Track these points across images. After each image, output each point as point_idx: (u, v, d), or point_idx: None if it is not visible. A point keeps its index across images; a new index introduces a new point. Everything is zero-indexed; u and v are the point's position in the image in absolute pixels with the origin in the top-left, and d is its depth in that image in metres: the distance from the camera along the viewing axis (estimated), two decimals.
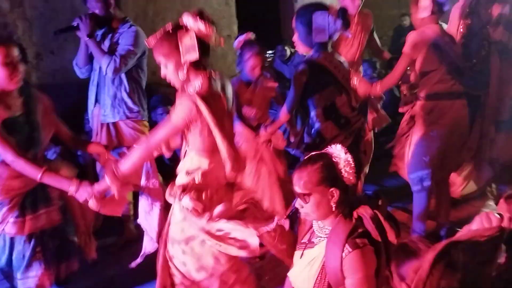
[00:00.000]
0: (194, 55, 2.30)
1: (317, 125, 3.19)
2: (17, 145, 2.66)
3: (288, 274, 2.30)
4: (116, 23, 3.76)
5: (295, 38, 3.18)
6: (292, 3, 6.90)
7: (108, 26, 3.77)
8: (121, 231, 4.12)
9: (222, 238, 2.43)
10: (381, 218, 2.02)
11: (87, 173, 4.63)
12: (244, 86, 3.72)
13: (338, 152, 2.08)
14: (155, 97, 4.87)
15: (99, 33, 3.78)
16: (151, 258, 3.61)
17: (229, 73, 4.06)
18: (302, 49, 3.23)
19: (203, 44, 2.34)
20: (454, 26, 3.79)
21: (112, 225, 4.27)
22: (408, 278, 1.88)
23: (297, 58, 6.48)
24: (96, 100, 3.85)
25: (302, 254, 2.21)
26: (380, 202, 2.10)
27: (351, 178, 2.06)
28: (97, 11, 3.65)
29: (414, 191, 3.65)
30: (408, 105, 3.73)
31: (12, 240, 2.80)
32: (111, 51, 3.66)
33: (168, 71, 2.41)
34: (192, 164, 2.48)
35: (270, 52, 7.01)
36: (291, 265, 2.30)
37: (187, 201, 2.42)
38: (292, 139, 3.69)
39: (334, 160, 2.07)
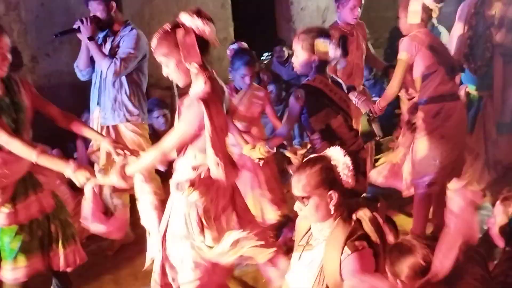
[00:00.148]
0: (196, 56, 2.32)
1: (316, 146, 3.16)
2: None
3: (286, 276, 2.30)
4: (117, 26, 3.76)
5: (294, 59, 3.17)
6: (288, 5, 6.91)
7: (109, 29, 3.76)
8: None
9: None
10: (380, 221, 2.02)
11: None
12: (234, 93, 3.75)
13: (336, 155, 2.08)
14: (151, 100, 4.86)
15: (100, 36, 3.78)
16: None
17: (225, 76, 4.07)
18: (300, 71, 3.22)
19: (202, 42, 2.35)
20: (459, 27, 3.78)
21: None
22: (403, 274, 1.89)
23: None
24: (98, 103, 3.85)
25: (300, 256, 2.21)
26: (379, 205, 2.10)
27: (349, 181, 2.06)
28: (98, 14, 3.65)
29: (417, 194, 3.63)
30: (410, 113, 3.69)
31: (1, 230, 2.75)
32: (112, 54, 3.66)
33: (170, 70, 2.43)
34: (196, 160, 2.48)
35: (266, 54, 7.01)
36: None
37: (195, 196, 2.43)
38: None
39: (333, 163, 2.07)
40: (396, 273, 1.91)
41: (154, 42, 2.40)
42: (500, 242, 2.22)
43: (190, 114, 2.37)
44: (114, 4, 3.70)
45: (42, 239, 2.83)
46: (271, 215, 3.73)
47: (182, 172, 2.51)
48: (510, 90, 3.64)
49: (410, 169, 3.67)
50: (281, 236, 3.67)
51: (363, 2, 4.04)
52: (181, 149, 2.51)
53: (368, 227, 2.01)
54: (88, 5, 3.70)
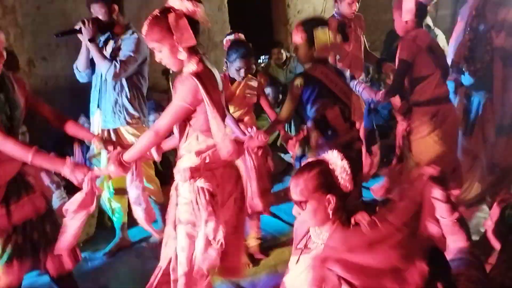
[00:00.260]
0: (191, 39, 2.34)
1: (311, 134, 3.21)
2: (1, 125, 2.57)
3: (284, 279, 2.29)
4: (119, 29, 3.76)
5: (295, 51, 3.21)
6: (285, 8, 6.92)
7: (110, 31, 3.76)
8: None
9: None
10: (379, 225, 2.01)
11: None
12: (229, 82, 3.73)
13: (334, 159, 2.07)
14: (148, 103, 4.84)
15: (102, 38, 3.78)
16: (144, 266, 3.63)
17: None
18: (302, 60, 3.26)
19: (192, 23, 2.36)
20: (461, 28, 3.79)
21: (106, 232, 4.26)
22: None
23: (292, 63, 6.50)
24: (98, 106, 3.84)
25: (298, 259, 2.20)
26: (377, 209, 2.10)
27: (347, 185, 2.05)
28: (100, 17, 3.65)
29: None
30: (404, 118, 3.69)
31: None
32: (113, 57, 3.66)
33: (163, 55, 2.43)
34: (199, 144, 2.49)
35: (263, 56, 7.01)
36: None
37: (201, 182, 2.45)
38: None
39: (331, 167, 2.06)
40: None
41: (144, 28, 2.39)
42: (496, 244, 2.23)
43: (183, 88, 2.38)
44: (116, 7, 3.70)
45: (39, 240, 2.77)
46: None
47: (187, 159, 2.52)
48: (509, 93, 3.64)
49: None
50: None
51: None
52: (182, 131, 2.52)
53: (367, 231, 2.01)
54: (90, 8, 3.70)
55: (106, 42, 3.78)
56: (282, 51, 6.52)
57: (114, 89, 3.74)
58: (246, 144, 3.23)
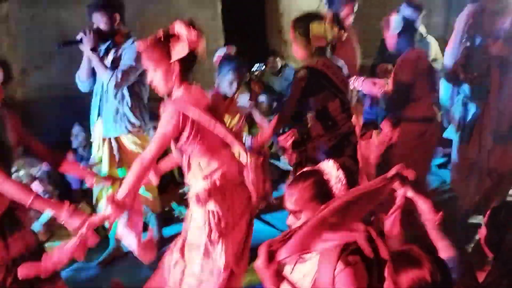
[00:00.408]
0: (187, 68, 2.40)
1: (309, 124, 3.26)
2: None
3: None
4: (120, 38, 3.75)
5: (294, 47, 3.24)
6: (278, 17, 6.94)
7: (111, 40, 3.76)
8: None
9: None
10: (374, 235, 2.01)
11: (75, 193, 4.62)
12: (221, 98, 3.73)
13: (329, 169, 2.08)
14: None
15: (103, 47, 3.77)
16: (138, 276, 3.61)
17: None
18: (301, 57, 3.28)
19: (192, 54, 2.40)
20: (457, 36, 3.82)
21: (99, 242, 4.22)
22: (404, 285, 1.84)
23: (287, 71, 6.52)
24: (99, 114, 3.83)
25: (292, 269, 2.19)
26: (372, 218, 2.10)
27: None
28: (102, 26, 3.65)
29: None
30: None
31: None
32: (114, 66, 3.66)
33: (156, 77, 2.46)
34: (203, 170, 2.52)
35: (257, 65, 7.02)
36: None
37: (212, 205, 2.49)
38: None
39: (325, 177, 2.07)
40: (398, 282, 1.87)
41: (145, 45, 2.43)
42: (489, 252, 2.23)
43: (165, 115, 2.42)
44: (117, 16, 3.70)
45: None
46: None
47: (196, 185, 2.55)
48: (506, 101, 3.67)
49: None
50: None
51: (355, 9, 4.11)
52: (186, 165, 2.55)
53: (361, 242, 2.01)
54: (91, 17, 3.69)
55: (107, 51, 3.78)
56: (278, 59, 6.54)
57: (115, 97, 3.73)
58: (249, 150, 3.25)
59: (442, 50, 5.90)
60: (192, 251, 2.59)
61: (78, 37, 3.59)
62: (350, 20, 4.09)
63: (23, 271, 2.40)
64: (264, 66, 6.78)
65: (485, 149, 3.78)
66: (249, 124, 4.19)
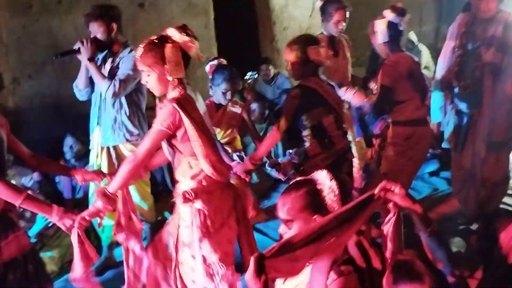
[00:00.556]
0: (181, 72, 2.43)
1: (306, 144, 3.29)
2: None
3: None
4: (117, 47, 3.75)
5: (288, 68, 3.30)
6: (271, 25, 6.96)
7: (109, 49, 3.76)
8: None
9: None
10: (366, 245, 2.01)
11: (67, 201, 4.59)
12: (214, 108, 3.79)
13: (322, 179, 2.08)
14: None
15: (100, 56, 3.77)
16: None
17: (209, 95, 4.10)
18: (296, 78, 3.35)
19: (185, 57, 2.45)
20: (450, 45, 3.84)
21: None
22: None
23: (280, 79, 6.54)
24: (98, 123, 3.83)
25: (284, 280, 2.19)
26: (364, 228, 2.09)
27: (335, 205, 2.05)
28: (99, 35, 3.65)
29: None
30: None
31: None
32: (112, 75, 3.66)
33: (150, 81, 2.50)
34: (193, 169, 2.54)
35: (250, 73, 7.04)
36: None
37: (199, 204, 2.50)
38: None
39: (318, 187, 2.07)
40: None
41: (139, 51, 2.46)
42: (480, 260, 2.24)
43: (161, 113, 2.45)
44: (115, 25, 3.70)
45: (20, 281, 2.63)
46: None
47: (184, 183, 2.57)
48: (499, 108, 3.69)
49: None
50: None
51: (347, 16, 4.14)
52: (174, 158, 2.58)
53: (354, 251, 2.00)
54: (89, 26, 3.70)
55: (104, 61, 3.78)
56: (270, 67, 6.56)
57: (113, 106, 3.73)
58: (235, 169, 3.26)
59: (433, 58, 5.95)
60: (183, 249, 2.61)
61: (76, 47, 3.60)
62: (341, 26, 4.13)
63: None
64: (256, 74, 6.81)
65: (479, 157, 3.79)
66: (241, 134, 4.20)
